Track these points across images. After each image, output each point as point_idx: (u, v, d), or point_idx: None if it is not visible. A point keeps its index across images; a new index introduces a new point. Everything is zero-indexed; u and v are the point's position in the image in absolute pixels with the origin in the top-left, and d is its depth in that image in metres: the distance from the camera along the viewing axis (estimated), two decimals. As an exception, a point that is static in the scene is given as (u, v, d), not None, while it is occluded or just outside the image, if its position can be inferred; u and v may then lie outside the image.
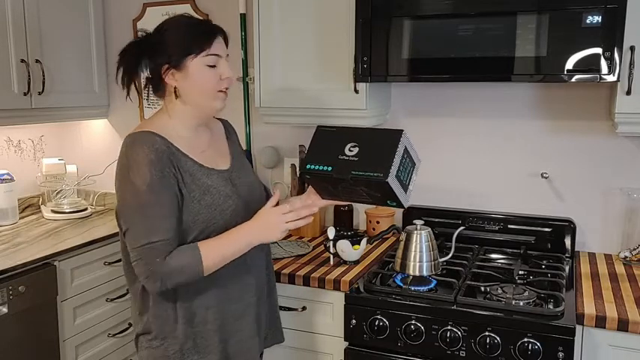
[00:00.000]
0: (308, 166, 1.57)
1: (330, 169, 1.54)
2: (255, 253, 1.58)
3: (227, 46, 1.58)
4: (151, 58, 1.51)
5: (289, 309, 2.03)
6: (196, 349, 1.54)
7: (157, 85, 1.53)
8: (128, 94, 1.53)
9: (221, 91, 1.55)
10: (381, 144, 1.54)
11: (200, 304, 1.53)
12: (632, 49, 1.78)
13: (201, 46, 1.48)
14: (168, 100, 1.55)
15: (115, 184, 1.48)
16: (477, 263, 2.10)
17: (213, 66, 1.51)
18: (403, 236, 1.91)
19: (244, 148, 2.71)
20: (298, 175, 1.47)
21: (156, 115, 1.57)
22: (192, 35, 1.49)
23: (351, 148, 1.56)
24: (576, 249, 2.22)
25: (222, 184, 1.55)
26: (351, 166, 1.53)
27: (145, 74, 1.54)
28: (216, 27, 1.54)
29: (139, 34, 1.55)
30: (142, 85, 1.56)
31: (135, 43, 1.53)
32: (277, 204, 1.56)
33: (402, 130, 1.54)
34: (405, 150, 1.55)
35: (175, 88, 1.51)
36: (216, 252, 1.46)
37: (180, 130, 1.54)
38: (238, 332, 1.59)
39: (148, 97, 1.59)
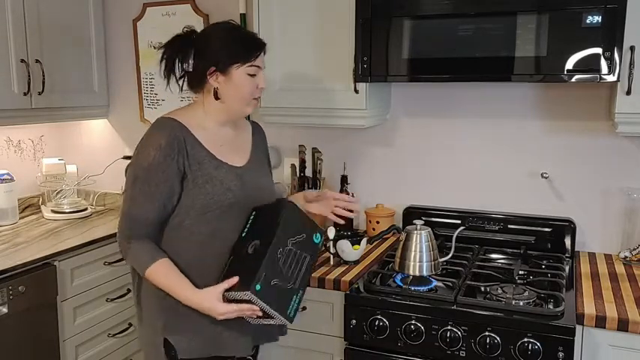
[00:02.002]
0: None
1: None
2: None
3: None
4: (199, 57, 1.63)
5: (289, 309, 2.03)
6: (177, 327, 1.63)
7: (199, 82, 1.66)
8: (168, 83, 1.66)
9: (255, 98, 1.69)
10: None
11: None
12: (632, 49, 1.78)
13: (248, 58, 1.63)
14: (206, 96, 1.68)
15: (133, 155, 1.63)
16: (477, 263, 2.10)
17: (254, 75, 1.65)
18: (403, 236, 1.91)
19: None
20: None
21: (190, 106, 1.71)
22: (243, 46, 1.63)
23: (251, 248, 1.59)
24: (576, 249, 2.22)
25: (230, 177, 1.65)
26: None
27: (185, 68, 1.66)
28: (261, 42, 1.69)
29: (184, 30, 1.67)
30: (177, 77, 1.67)
31: (179, 37, 1.65)
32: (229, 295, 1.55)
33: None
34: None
35: (216, 89, 1.65)
36: (160, 278, 1.58)
37: (206, 123, 1.68)
38: (222, 322, 1.61)
39: (181, 89, 1.69)
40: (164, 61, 1.65)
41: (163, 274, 1.58)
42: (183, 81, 1.68)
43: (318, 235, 1.72)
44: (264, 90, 1.72)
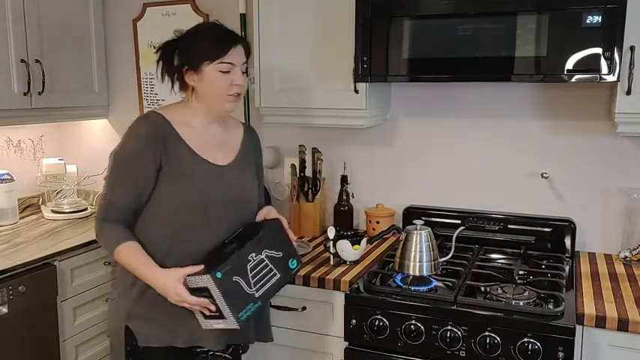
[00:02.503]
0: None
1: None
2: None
3: (248, 56, 1.75)
4: (178, 57, 1.70)
5: (289, 309, 2.03)
6: (140, 316, 1.69)
7: (180, 81, 1.73)
8: (172, 87, 1.74)
9: (231, 95, 1.71)
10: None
11: None
12: (632, 49, 1.78)
13: (217, 55, 1.66)
14: (188, 95, 1.75)
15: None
16: (477, 263, 2.10)
17: (227, 72, 1.68)
18: (403, 236, 1.91)
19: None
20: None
21: (180, 103, 1.78)
22: (211, 43, 1.67)
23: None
24: (576, 249, 2.22)
25: (208, 175, 1.70)
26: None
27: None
28: (236, 38, 1.71)
29: (175, 33, 1.75)
30: (171, 76, 1.74)
31: (169, 43, 1.74)
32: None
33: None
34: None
35: (193, 87, 1.71)
36: (127, 260, 1.64)
37: (192, 121, 1.73)
38: (189, 318, 1.65)
39: (172, 88, 1.76)
40: (159, 64, 1.73)
41: (129, 254, 1.63)
42: (173, 81, 1.74)
43: (294, 261, 1.73)
44: (242, 87, 1.72)
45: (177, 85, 1.75)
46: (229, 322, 1.57)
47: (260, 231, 1.67)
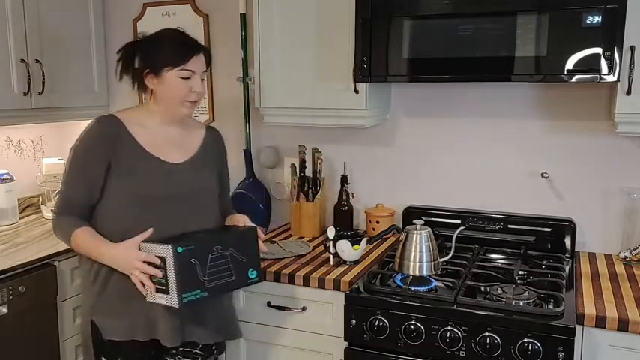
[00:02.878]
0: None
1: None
2: None
3: (208, 64, 1.82)
4: (139, 60, 1.76)
5: (289, 309, 2.03)
6: (103, 310, 1.75)
7: (139, 82, 1.78)
8: (133, 86, 1.80)
9: (189, 100, 1.78)
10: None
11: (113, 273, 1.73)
12: (632, 49, 1.78)
13: (179, 61, 1.72)
14: (147, 96, 1.82)
15: None
16: (477, 263, 2.10)
17: (187, 78, 1.74)
18: (403, 236, 1.91)
19: (244, 147, 2.71)
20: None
21: (138, 106, 1.88)
22: (174, 50, 1.73)
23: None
24: (576, 249, 2.22)
25: (158, 172, 1.75)
26: None
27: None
28: (198, 46, 1.78)
29: (138, 36, 1.83)
30: (130, 76, 1.81)
31: (131, 44, 1.80)
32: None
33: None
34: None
35: (152, 90, 1.77)
36: (82, 246, 1.72)
37: (147, 122, 1.80)
38: (149, 311, 1.72)
39: (133, 87, 1.82)
40: (118, 63, 1.80)
41: (84, 237, 1.70)
42: (133, 82, 1.80)
43: (254, 271, 1.76)
44: (200, 94, 1.78)
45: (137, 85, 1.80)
46: (171, 299, 1.59)
47: (235, 231, 1.76)
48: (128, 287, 1.68)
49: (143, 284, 1.63)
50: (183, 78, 1.73)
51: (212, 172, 1.89)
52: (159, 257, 1.58)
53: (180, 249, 1.56)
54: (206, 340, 1.83)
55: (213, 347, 1.90)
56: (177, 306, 1.58)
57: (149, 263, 1.61)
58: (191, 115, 1.84)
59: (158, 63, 1.72)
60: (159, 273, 1.59)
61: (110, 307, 1.75)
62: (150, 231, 1.65)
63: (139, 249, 1.64)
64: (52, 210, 1.78)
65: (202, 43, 1.81)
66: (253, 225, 1.81)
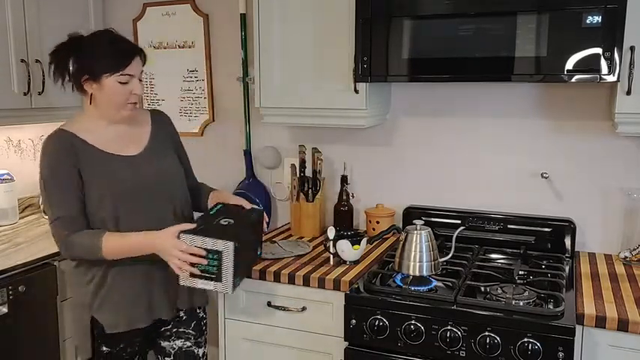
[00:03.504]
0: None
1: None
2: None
3: (144, 63, 1.82)
4: (75, 64, 1.74)
5: (289, 309, 2.03)
6: (103, 306, 1.80)
7: (78, 87, 1.78)
8: (63, 85, 1.78)
9: (131, 103, 1.79)
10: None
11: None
12: (632, 49, 1.78)
13: (117, 68, 1.73)
14: (85, 100, 1.80)
15: None
16: (477, 263, 2.10)
17: (126, 83, 1.75)
18: (403, 236, 1.91)
19: (244, 147, 2.71)
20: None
21: (78, 113, 1.87)
22: (112, 56, 1.73)
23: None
24: (576, 249, 2.22)
25: (122, 167, 1.79)
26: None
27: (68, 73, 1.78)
28: (134, 49, 1.79)
29: (69, 35, 1.78)
30: (67, 80, 1.79)
31: (64, 45, 1.77)
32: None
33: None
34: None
35: (91, 94, 1.77)
36: (116, 246, 1.71)
37: (89, 125, 1.80)
38: (148, 297, 1.82)
39: (73, 90, 1.81)
40: (51, 67, 1.78)
41: (114, 240, 1.71)
42: (72, 85, 1.78)
43: (259, 250, 2.03)
44: (139, 96, 1.80)
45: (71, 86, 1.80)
46: (223, 287, 1.71)
47: (251, 217, 1.86)
48: (124, 280, 1.78)
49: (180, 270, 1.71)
50: (122, 83, 1.74)
51: (170, 155, 1.93)
52: (209, 249, 1.67)
53: (238, 245, 1.68)
54: (195, 303, 1.93)
55: (199, 311, 1.98)
56: (230, 292, 1.73)
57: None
58: (131, 116, 1.84)
59: (97, 69, 1.72)
60: (203, 261, 1.67)
61: (111, 302, 1.79)
62: (192, 225, 1.72)
63: (178, 238, 1.68)
64: (57, 238, 1.73)
65: (139, 46, 1.84)
66: (260, 208, 1.91)
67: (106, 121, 1.81)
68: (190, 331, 1.94)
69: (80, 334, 1.87)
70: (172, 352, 1.94)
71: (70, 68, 1.75)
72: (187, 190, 1.95)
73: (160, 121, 1.97)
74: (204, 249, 1.67)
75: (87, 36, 1.78)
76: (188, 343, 1.94)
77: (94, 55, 1.73)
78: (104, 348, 1.84)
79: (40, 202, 2.88)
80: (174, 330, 1.92)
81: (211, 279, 1.70)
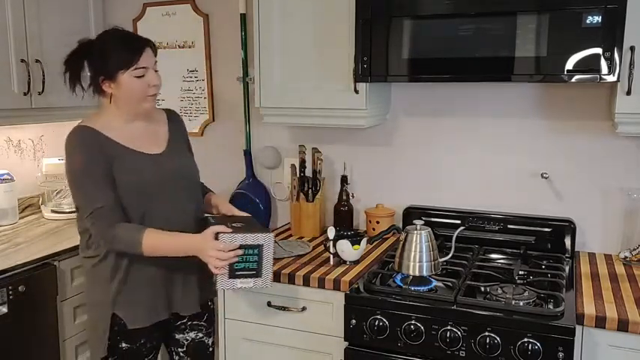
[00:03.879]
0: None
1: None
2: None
3: (155, 54, 1.84)
4: (91, 69, 1.79)
5: (289, 309, 2.03)
6: (124, 302, 1.83)
7: (98, 90, 1.81)
8: (74, 91, 1.82)
9: (150, 95, 1.82)
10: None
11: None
12: (632, 49, 1.78)
13: (130, 63, 1.75)
14: (105, 100, 1.83)
15: (65, 168, 1.80)
16: (477, 263, 2.10)
17: (142, 76, 1.78)
18: (403, 236, 1.91)
19: (244, 147, 2.71)
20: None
21: (97, 112, 1.89)
22: (122, 52, 1.76)
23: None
24: (576, 249, 2.22)
25: (147, 165, 1.82)
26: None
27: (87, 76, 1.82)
28: (142, 41, 1.81)
29: (80, 42, 1.83)
30: (87, 86, 1.83)
31: (75, 52, 1.82)
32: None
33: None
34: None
35: (111, 94, 1.80)
36: (156, 244, 1.74)
37: (114, 123, 1.83)
38: (167, 291, 1.86)
39: (93, 94, 1.85)
40: (66, 75, 1.81)
41: (155, 238, 1.74)
42: (91, 89, 1.82)
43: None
44: (158, 87, 1.83)
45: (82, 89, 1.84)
46: (262, 282, 1.76)
47: (251, 220, 1.86)
48: (146, 276, 1.82)
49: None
50: (138, 77, 1.77)
51: (189, 154, 2.00)
52: (249, 245, 1.71)
53: (272, 236, 1.75)
54: (208, 296, 1.98)
55: (210, 304, 2.02)
56: (269, 286, 1.77)
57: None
58: (154, 107, 1.89)
59: (110, 68, 1.76)
60: (236, 259, 1.71)
61: (132, 298, 1.83)
62: (224, 227, 1.74)
63: (216, 239, 1.70)
64: (96, 230, 1.75)
65: (147, 38, 1.86)
66: (249, 215, 1.93)
67: (126, 119, 1.84)
68: (203, 323, 1.99)
69: (98, 333, 1.87)
70: (185, 343, 1.98)
71: (88, 74, 1.80)
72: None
73: (176, 120, 2.02)
74: (244, 246, 1.70)
75: (95, 39, 1.82)
76: (200, 335, 1.99)
77: (106, 56, 1.76)
78: (123, 345, 1.85)
79: (43, 198, 2.89)
80: (189, 323, 1.96)
81: (251, 276, 1.74)
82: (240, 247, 1.71)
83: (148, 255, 1.75)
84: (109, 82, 1.78)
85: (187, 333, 1.98)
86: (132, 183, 1.77)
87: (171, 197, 1.83)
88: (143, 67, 1.78)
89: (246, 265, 1.73)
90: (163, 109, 2.03)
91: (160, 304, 1.86)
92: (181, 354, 2.00)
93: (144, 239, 1.72)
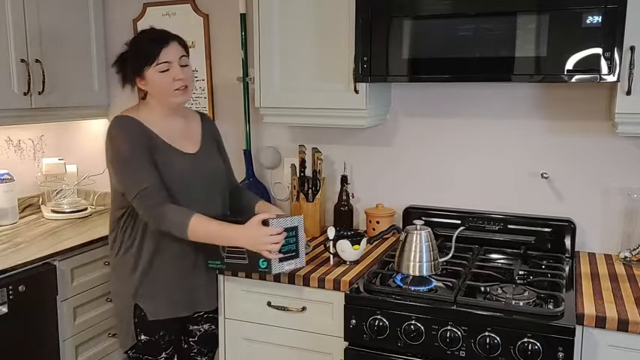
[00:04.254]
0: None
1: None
2: None
3: (185, 49, 1.93)
4: (128, 68, 1.92)
5: (289, 309, 2.03)
6: (146, 294, 1.93)
7: (134, 87, 1.95)
8: (132, 89, 1.96)
9: (177, 89, 1.89)
10: None
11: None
12: (632, 49, 1.78)
13: (151, 58, 1.85)
14: (146, 97, 1.96)
15: (106, 156, 1.89)
16: (477, 263, 2.10)
17: (166, 70, 1.87)
18: (403, 236, 1.91)
19: (244, 147, 2.71)
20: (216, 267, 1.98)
21: (136, 105, 1.99)
22: (145, 50, 1.87)
23: None
24: (576, 249, 2.22)
25: (183, 162, 1.93)
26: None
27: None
28: (166, 37, 1.89)
29: (126, 43, 1.96)
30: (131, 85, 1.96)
31: (120, 54, 1.96)
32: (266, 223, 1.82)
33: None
34: None
35: (145, 91, 1.93)
36: (203, 230, 1.80)
37: (153, 118, 1.93)
38: (190, 287, 1.97)
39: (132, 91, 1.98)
40: (119, 75, 1.96)
41: (202, 223, 1.81)
42: (132, 88, 1.96)
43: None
44: (184, 80, 1.89)
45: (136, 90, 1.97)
46: (300, 261, 1.90)
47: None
48: (169, 270, 1.92)
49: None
50: (162, 72, 1.86)
51: (219, 157, 2.10)
52: (288, 228, 1.84)
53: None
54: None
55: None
56: (304, 265, 1.94)
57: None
58: (186, 101, 1.96)
59: (138, 66, 1.87)
60: (282, 242, 1.81)
61: (154, 290, 1.91)
62: (268, 214, 1.83)
63: (265, 225, 1.79)
64: (144, 210, 1.81)
65: (175, 34, 1.94)
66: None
67: (161, 115, 1.94)
68: (215, 315, 2.11)
69: (123, 324, 1.97)
70: (198, 334, 2.09)
71: (128, 74, 1.93)
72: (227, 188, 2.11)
73: (209, 124, 2.14)
74: (287, 229, 1.83)
75: (130, 40, 1.95)
76: (213, 326, 2.12)
77: (134, 55, 1.89)
78: (143, 337, 1.93)
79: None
80: (205, 315, 2.08)
81: (292, 257, 1.87)
82: (285, 230, 1.81)
83: (192, 239, 1.80)
84: (140, 79, 1.89)
85: (202, 325, 2.09)
86: (165, 175, 1.85)
87: (197, 195, 1.91)
88: (166, 62, 1.85)
89: (289, 248, 1.85)
90: (197, 112, 2.15)
91: (183, 300, 1.95)
92: (191, 342, 2.10)
93: (191, 222, 1.78)
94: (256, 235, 1.78)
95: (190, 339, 2.10)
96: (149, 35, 1.93)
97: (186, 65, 1.91)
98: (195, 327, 2.09)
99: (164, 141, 1.90)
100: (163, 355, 1.98)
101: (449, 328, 1.73)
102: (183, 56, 1.91)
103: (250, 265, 1.90)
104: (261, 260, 1.85)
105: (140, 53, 1.87)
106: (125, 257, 1.93)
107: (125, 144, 1.83)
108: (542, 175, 2.25)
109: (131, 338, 1.93)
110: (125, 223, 1.94)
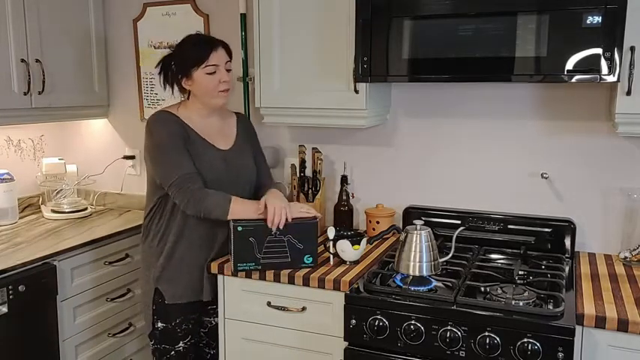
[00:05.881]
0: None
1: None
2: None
3: (230, 55, 2.09)
4: (174, 69, 2.06)
5: (289, 309, 2.03)
6: (166, 278, 2.08)
7: (180, 87, 2.09)
8: (172, 92, 2.12)
9: (221, 91, 2.06)
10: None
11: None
12: (632, 49, 1.78)
13: (201, 60, 2.01)
14: (184, 97, 2.13)
15: (144, 148, 2.06)
16: (477, 263, 2.10)
17: (213, 72, 2.02)
18: (403, 236, 1.91)
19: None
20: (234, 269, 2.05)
21: (178, 103, 2.14)
22: (195, 52, 2.02)
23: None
24: (576, 249, 2.22)
25: (216, 158, 2.08)
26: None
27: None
28: (214, 42, 2.05)
29: (170, 49, 2.13)
30: (172, 85, 2.10)
31: (167, 57, 2.09)
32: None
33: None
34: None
35: (189, 90, 2.08)
36: (240, 207, 1.98)
37: (192, 116, 2.09)
38: (205, 277, 2.11)
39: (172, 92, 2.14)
40: (160, 76, 2.10)
41: (238, 202, 1.98)
42: (173, 87, 2.10)
43: (310, 257, 2.09)
44: (229, 83, 2.05)
45: (176, 89, 2.11)
46: (233, 266, 2.01)
47: (299, 223, 2.04)
48: (191, 256, 2.07)
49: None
50: (209, 74, 2.01)
51: (250, 155, 2.22)
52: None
53: (240, 228, 1.95)
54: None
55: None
56: (232, 272, 2.02)
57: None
58: (226, 103, 2.14)
59: (186, 67, 2.01)
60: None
61: (175, 274, 2.06)
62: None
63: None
64: (183, 193, 1.93)
65: (222, 40, 2.10)
66: (316, 221, 2.07)
67: (201, 114, 2.09)
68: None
69: (146, 310, 2.13)
70: (209, 326, 2.22)
71: (173, 74, 2.06)
72: (254, 184, 2.22)
73: (244, 122, 2.27)
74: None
75: (179, 42, 2.08)
76: None
77: (182, 56, 2.03)
78: (159, 324, 2.06)
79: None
80: (216, 308, 2.16)
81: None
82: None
83: (231, 217, 1.95)
84: (187, 80, 2.03)
85: (213, 317, 2.20)
86: (200, 169, 1.98)
87: (228, 189, 2.03)
88: (214, 65, 2.01)
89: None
90: (234, 112, 2.27)
91: (202, 286, 2.08)
92: (202, 334, 2.21)
93: (231, 206, 1.94)
94: (287, 202, 2.00)
95: (201, 330, 2.20)
96: (199, 39, 2.08)
97: (230, 70, 2.06)
98: (208, 319, 2.20)
99: (198, 135, 2.05)
100: (181, 344, 2.08)
101: (449, 328, 1.73)
102: (228, 61, 2.06)
103: (293, 262, 2.01)
104: (307, 256, 2.01)
105: (190, 54, 2.01)
106: (152, 244, 2.09)
107: (163, 134, 1.98)
108: (542, 175, 2.25)
109: (150, 322, 2.07)
110: (155, 213, 2.09)
